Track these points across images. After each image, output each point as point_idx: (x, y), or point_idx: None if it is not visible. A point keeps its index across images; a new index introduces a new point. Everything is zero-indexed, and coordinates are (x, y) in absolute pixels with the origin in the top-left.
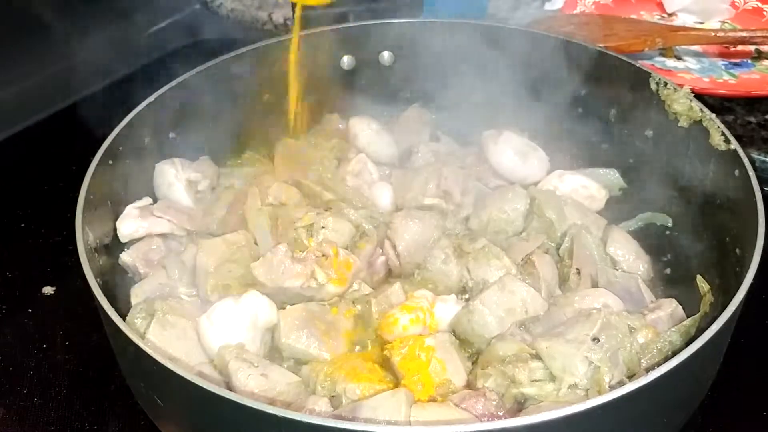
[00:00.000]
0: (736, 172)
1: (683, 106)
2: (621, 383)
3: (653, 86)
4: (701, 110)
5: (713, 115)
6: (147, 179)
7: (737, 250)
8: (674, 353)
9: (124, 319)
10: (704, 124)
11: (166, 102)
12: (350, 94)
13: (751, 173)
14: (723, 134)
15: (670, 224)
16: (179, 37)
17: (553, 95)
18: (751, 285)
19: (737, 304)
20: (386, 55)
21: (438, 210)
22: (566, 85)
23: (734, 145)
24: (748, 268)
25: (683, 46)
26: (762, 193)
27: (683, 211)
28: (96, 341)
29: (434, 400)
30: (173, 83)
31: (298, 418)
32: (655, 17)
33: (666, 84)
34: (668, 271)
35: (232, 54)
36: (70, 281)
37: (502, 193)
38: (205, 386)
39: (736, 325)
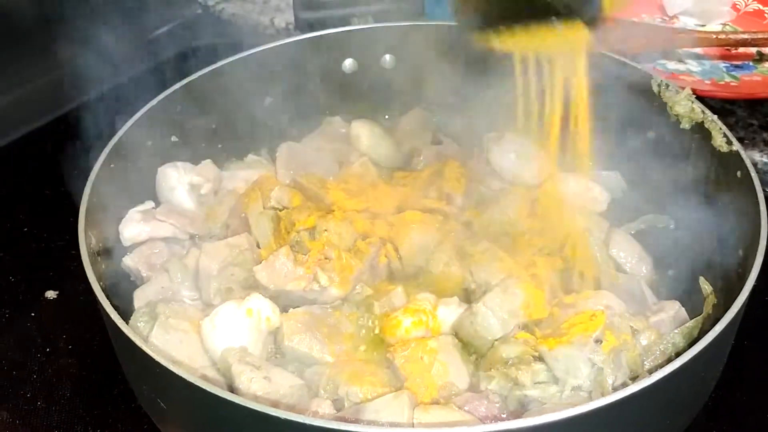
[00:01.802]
0: (738, 174)
1: (685, 107)
2: (624, 385)
3: (655, 88)
4: (703, 112)
5: (715, 117)
6: (149, 183)
7: (740, 252)
8: (677, 355)
9: (127, 323)
10: (706, 126)
11: (168, 106)
12: (352, 98)
13: (753, 174)
14: (725, 135)
15: (672, 226)
16: (181, 42)
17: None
18: (755, 287)
19: (740, 305)
20: (388, 59)
21: (440, 212)
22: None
23: (736, 146)
24: (751, 270)
25: (684, 49)
26: (764, 194)
27: (686, 213)
28: (99, 345)
29: (437, 403)
30: (175, 87)
31: (301, 420)
32: (656, 20)
33: (668, 86)
34: (671, 272)
35: (234, 58)
36: (73, 285)
37: (505, 195)
38: (208, 389)
39: (740, 327)
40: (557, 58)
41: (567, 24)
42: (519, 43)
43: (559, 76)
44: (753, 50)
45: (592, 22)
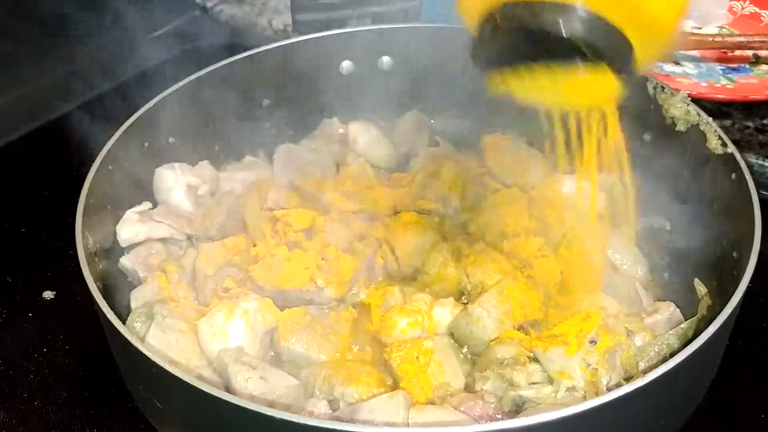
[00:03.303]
0: (733, 176)
1: (680, 110)
2: (618, 385)
3: (650, 90)
4: (698, 114)
5: (710, 119)
6: (147, 184)
7: (734, 254)
8: (672, 356)
9: (124, 323)
10: (701, 128)
11: (165, 107)
12: (349, 100)
13: (748, 176)
14: (720, 138)
15: (668, 228)
16: (179, 43)
17: None
18: (750, 288)
19: (733, 306)
20: (385, 60)
21: (436, 214)
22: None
23: (731, 148)
24: (745, 271)
25: (681, 51)
26: (759, 196)
27: (681, 215)
28: (96, 345)
29: (432, 403)
30: (173, 88)
31: (296, 420)
32: None
33: (663, 88)
34: (666, 274)
35: (232, 59)
36: (71, 286)
37: (501, 196)
38: (204, 389)
39: (735, 329)
40: (587, 115)
41: (593, 70)
42: (540, 92)
43: (591, 136)
44: (749, 53)
45: (624, 70)
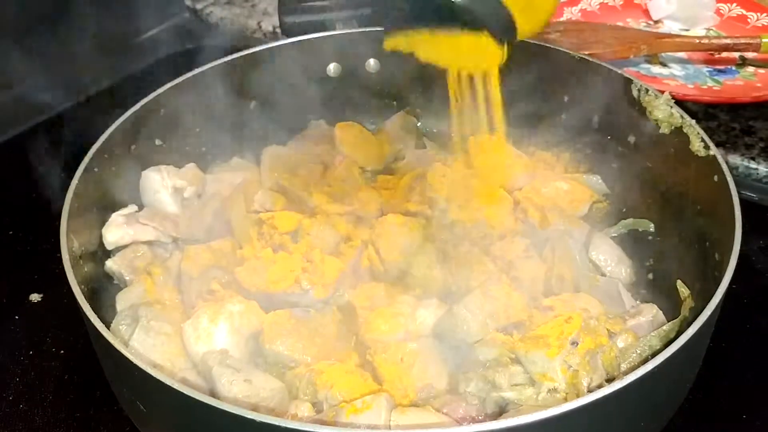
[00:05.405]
0: (715, 178)
1: (664, 112)
2: (600, 387)
3: (635, 93)
4: (681, 116)
5: (693, 121)
6: (133, 186)
7: (716, 255)
8: (653, 357)
9: (109, 326)
10: (684, 130)
11: (153, 109)
12: (337, 101)
13: (729, 179)
14: (702, 140)
15: (652, 230)
16: (169, 45)
17: (536, 102)
18: (733, 290)
19: (713, 307)
20: (372, 63)
21: (422, 216)
22: (550, 92)
23: (713, 150)
24: (725, 273)
25: (668, 53)
26: (743, 197)
27: (665, 217)
28: (82, 348)
29: (415, 405)
30: (160, 90)
31: (278, 423)
32: (641, 24)
33: (647, 90)
34: (651, 276)
35: (220, 61)
36: (58, 288)
37: (487, 198)
38: (187, 392)
39: (717, 330)
40: (475, 74)
41: (474, 36)
42: (432, 53)
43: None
44: (736, 55)
45: (502, 37)
